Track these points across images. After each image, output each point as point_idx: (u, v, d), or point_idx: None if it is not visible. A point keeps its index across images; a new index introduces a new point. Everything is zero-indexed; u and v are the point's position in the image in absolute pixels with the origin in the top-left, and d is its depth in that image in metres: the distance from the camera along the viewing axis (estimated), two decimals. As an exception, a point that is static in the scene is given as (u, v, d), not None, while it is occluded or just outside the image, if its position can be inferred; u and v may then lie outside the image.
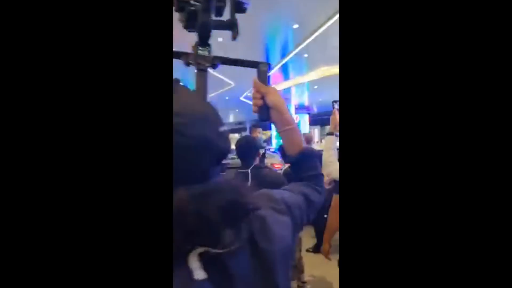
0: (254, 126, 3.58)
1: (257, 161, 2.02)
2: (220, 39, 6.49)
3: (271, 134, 15.49)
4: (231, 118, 22.50)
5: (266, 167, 2.17)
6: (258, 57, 7.61)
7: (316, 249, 3.18)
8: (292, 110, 12.69)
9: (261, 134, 3.55)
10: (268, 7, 4.91)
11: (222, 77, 9.07)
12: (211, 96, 12.13)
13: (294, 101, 12.63)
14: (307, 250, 3.16)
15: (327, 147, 1.59)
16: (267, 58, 7.73)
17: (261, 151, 2.52)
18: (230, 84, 10.17)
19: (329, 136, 1.66)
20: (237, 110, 18.31)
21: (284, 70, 8.77)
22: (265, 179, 1.84)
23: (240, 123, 23.90)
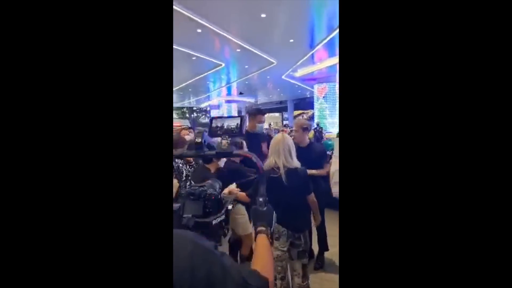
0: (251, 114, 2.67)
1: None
2: (263, 15, 6.22)
3: (312, 114, 15.02)
4: (273, 97, 22.31)
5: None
6: (302, 33, 7.19)
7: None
8: (337, 88, 12.05)
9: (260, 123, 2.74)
10: (315, -24, 4.52)
11: (264, 55, 8.85)
12: (253, 74, 12.01)
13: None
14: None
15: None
16: (312, 33, 7.26)
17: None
18: (272, 63, 9.90)
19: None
20: (278, 89, 17.98)
21: (330, 46, 8.22)
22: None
23: (281, 102, 23.67)
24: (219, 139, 0.96)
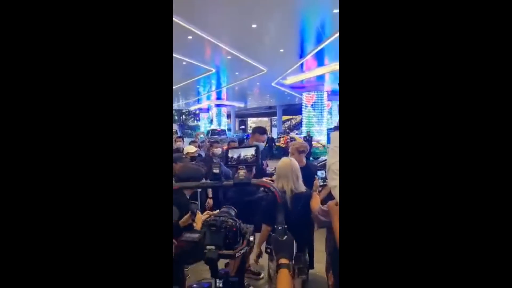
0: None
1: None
2: (254, 26, 6.31)
3: (300, 120, 15.15)
4: (262, 103, 22.47)
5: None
6: (292, 43, 7.34)
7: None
8: (325, 97, 12.27)
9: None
10: (306, -10, 4.67)
11: (254, 63, 8.96)
12: (243, 81, 12.10)
13: (327, 87, 12.16)
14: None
15: (334, 147, 1.01)
16: (302, 44, 7.44)
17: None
18: (262, 70, 10.03)
19: (337, 132, 1.04)
20: (267, 95, 18.14)
21: (319, 56, 8.42)
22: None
23: (270, 107, 23.89)
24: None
